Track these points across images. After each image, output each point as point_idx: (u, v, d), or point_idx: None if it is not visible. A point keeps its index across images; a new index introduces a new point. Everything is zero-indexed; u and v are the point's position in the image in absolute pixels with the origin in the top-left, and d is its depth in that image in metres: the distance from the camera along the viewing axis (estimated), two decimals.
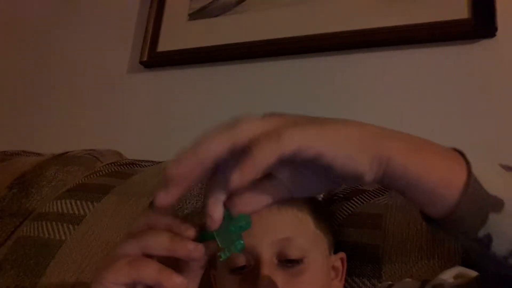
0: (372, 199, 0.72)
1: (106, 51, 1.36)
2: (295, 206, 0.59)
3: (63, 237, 0.82)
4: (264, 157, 0.28)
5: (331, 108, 1.02)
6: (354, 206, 0.72)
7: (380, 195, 0.72)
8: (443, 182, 0.31)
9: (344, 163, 0.30)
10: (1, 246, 0.89)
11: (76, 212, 0.86)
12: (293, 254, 0.55)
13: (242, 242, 0.35)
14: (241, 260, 0.55)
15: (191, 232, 0.36)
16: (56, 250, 0.80)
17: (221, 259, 0.35)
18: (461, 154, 0.33)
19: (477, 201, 0.30)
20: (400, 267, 0.63)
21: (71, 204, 0.87)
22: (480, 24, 0.92)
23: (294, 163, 0.31)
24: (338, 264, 0.63)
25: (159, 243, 0.35)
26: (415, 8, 0.98)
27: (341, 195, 0.76)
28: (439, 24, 0.95)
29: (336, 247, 0.65)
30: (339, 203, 0.74)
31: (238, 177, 0.29)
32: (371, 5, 1.03)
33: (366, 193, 0.74)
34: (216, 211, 0.33)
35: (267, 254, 0.54)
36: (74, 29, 1.43)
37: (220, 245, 0.35)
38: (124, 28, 1.35)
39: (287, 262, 0.55)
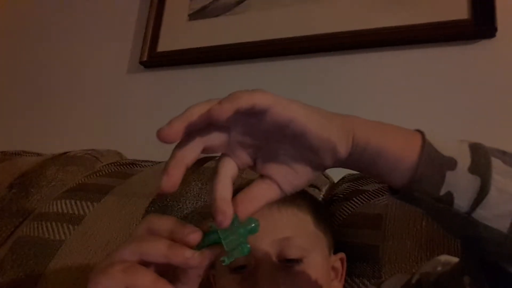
0: (372, 199, 0.72)
1: (106, 51, 1.36)
2: (295, 206, 0.59)
3: (63, 237, 0.82)
4: (240, 97, 0.31)
5: (331, 108, 1.02)
6: (354, 206, 0.72)
7: (380, 195, 0.72)
8: (402, 148, 0.34)
9: (317, 130, 0.33)
10: (1, 246, 0.89)
11: (76, 212, 0.86)
12: (293, 253, 0.55)
13: (248, 246, 0.34)
14: (241, 260, 0.55)
15: (194, 235, 0.35)
16: (56, 250, 0.80)
17: (224, 263, 0.35)
18: (419, 131, 0.36)
19: (433, 162, 0.33)
20: (400, 267, 0.63)
21: (71, 204, 0.87)
22: (480, 25, 0.92)
23: (275, 152, 0.35)
24: (338, 264, 0.63)
25: (157, 250, 0.35)
26: (415, 9, 0.98)
27: (341, 195, 0.76)
28: (439, 25, 0.95)
29: (336, 247, 0.65)
30: (339, 203, 0.74)
31: (218, 108, 0.32)
32: (371, 6, 1.03)
33: (366, 193, 0.74)
34: (228, 208, 0.34)
35: (267, 254, 0.54)
36: (74, 29, 1.44)
37: (226, 248, 0.34)
38: (124, 28, 1.35)
39: (287, 262, 0.55)
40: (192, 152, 0.36)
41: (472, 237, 0.35)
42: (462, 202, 0.33)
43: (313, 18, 1.08)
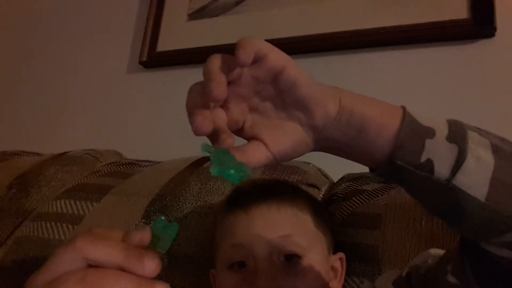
0: (372, 199, 0.72)
1: (105, 51, 1.36)
2: (294, 205, 0.59)
3: (63, 237, 0.82)
4: (254, 42, 0.35)
5: None
6: (353, 206, 0.72)
7: (380, 195, 0.72)
8: (384, 117, 0.37)
9: (307, 83, 0.36)
10: (0, 246, 0.89)
11: (76, 212, 0.86)
12: (292, 251, 0.55)
13: (175, 223, 0.32)
14: (239, 257, 0.55)
15: (153, 266, 0.30)
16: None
17: (161, 251, 0.32)
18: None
19: (414, 130, 0.36)
20: (400, 267, 0.63)
21: (70, 204, 0.87)
22: (479, 24, 0.92)
23: (263, 112, 0.37)
24: (337, 264, 0.63)
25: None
26: (414, 8, 0.98)
27: (341, 195, 0.76)
28: (439, 24, 0.95)
29: (335, 247, 0.65)
30: (338, 203, 0.74)
31: (242, 55, 0.34)
32: (371, 5, 1.03)
33: (366, 193, 0.74)
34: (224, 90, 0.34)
35: (266, 252, 0.54)
36: (74, 29, 1.43)
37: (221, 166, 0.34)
38: (123, 28, 1.35)
39: (285, 261, 0.55)
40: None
41: (452, 212, 0.36)
42: (441, 168, 0.35)
43: (313, 18, 1.08)
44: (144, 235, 0.31)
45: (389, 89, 0.99)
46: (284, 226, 0.57)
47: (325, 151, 0.40)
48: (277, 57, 0.35)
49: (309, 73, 0.37)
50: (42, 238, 0.83)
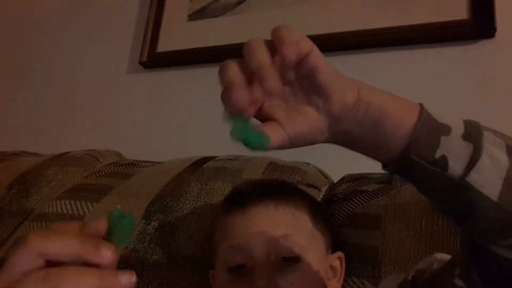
0: (372, 199, 0.72)
1: (105, 51, 1.36)
2: (292, 205, 0.59)
3: None
4: (293, 33, 0.36)
5: None
6: (353, 207, 0.72)
7: (380, 196, 0.72)
8: (402, 111, 0.37)
9: (328, 69, 0.37)
10: (0, 246, 0.88)
11: (76, 212, 0.86)
12: (290, 251, 0.55)
13: (130, 214, 0.32)
14: (238, 259, 0.56)
15: (110, 254, 0.30)
16: None
17: (119, 245, 0.31)
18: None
19: (430, 126, 0.36)
20: (400, 268, 0.63)
21: (70, 204, 0.87)
22: (479, 25, 0.92)
23: (282, 95, 0.38)
24: (336, 263, 0.63)
25: (86, 286, 0.28)
26: (414, 9, 0.99)
27: (341, 196, 0.76)
28: (439, 25, 0.95)
29: (335, 248, 0.65)
30: (338, 204, 0.74)
31: (290, 52, 0.35)
32: (370, 6, 1.03)
33: (366, 193, 0.74)
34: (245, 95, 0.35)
35: (264, 253, 0.54)
36: (74, 29, 1.43)
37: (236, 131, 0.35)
38: (123, 29, 1.35)
39: (284, 261, 0.55)
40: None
41: (463, 211, 0.36)
42: (456, 165, 0.35)
43: (313, 18, 1.09)
44: (99, 224, 0.31)
45: (389, 90, 0.99)
46: (282, 226, 0.57)
47: (339, 144, 0.40)
48: (304, 43, 0.36)
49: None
50: None
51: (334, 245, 0.65)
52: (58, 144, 1.22)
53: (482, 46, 0.93)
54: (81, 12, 1.44)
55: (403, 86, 0.98)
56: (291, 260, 0.55)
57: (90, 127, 1.31)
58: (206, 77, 1.19)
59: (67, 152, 1.09)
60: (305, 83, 0.37)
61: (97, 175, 0.96)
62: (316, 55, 0.36)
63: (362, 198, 0.73)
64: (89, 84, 1.36)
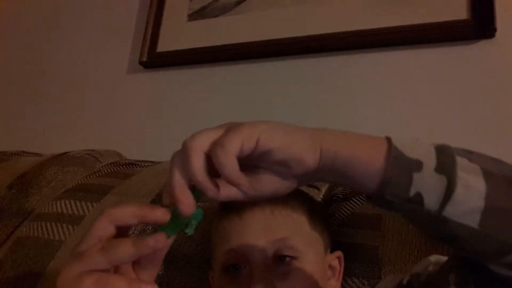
0: None
1: (105, 51, 1.36)
2: (289, 207, 0.59)
3: (63, 238, 0.82)
4: (232, 142, 0.34)
5: (331, 108, 1.02)
6: (353, 207, 0.72)
7: None
8: (370, 155, 0.36)
9: (281, 146, 0.35)
10: (0, 247, 0.89)
11: (76, 212, 0.86)
12: (288, 255, 0.55)
13: (200, 210, 0.37)
14: (231, 259, 0.56)
15: (164, 216, 0.37)
16: (56, 250, 0.80)
17: (189, 234, 0.38)
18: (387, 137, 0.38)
19: (400, 164, 0.35)
20: (400, 268, 0.63)
21: (70, 204, 0.87)
22: (479, 25, 0.92)
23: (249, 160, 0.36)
24: (335, 263, 0.63)
25: (124, 252, 0.35)
26: (414, 9, 0.98)
27: (341, 196, 0.76)
28: (438, 25, 0.95)
29: (335, 248, 0.65)
30: (338, 204, 0.74)
31: (231, 173, 0.34)
32: (370, 6, 1.03)
33: None
34: (187, 198, 0.36)
35: (262, 256, 0.54)
36: (74, 29, 1.43)
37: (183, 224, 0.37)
38: (123, 29, 1.35)
39: (281, 263, 0.55)
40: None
41: (447, 238, 0.36)
42: (431, 201, 0.35)
43: (313, 18, 1.08)
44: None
45: (389, 90, 0.99)
46: (279, 229, 0.56)
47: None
48: (247, 142, 0.34)
49: (283, 127, 0.36)
50: (42, 238, 0.83)
51: (334, 245, 0.65)
52: (58, 144, 1.22)
53: (482, 46, 0.93)
54: (81, 12, 1.44)
55: (402, 87, 0.99)
56: (289, 263, 0.55)
57: (90, 127, 1.31)
58: (206, 77, 1.19)
59: (67, 152, 1.09)
60: (263, 160, 0.37)
61: (97, 175, 0.96)
62: (264, 142, 0.35)
63: (362, 198, 0.73)
64: (89, 84, 1.36)
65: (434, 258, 0.49)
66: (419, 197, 0.35)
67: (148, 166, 0.98)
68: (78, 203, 0.87)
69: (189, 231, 0.38)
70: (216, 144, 0.34)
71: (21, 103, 1.44)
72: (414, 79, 0.98)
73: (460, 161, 0.35)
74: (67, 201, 0.88)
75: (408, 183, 0.35)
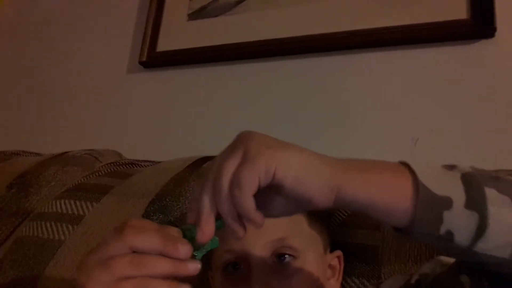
0: None
1: (105, 51, 1.36)
2: None
3: (62, 237, 0.82)
4: (248, 183, 0.34)
5: (331, 108, 1.02)
6: None
7: None
8: (394, 199, 0.35)
9: (293, 184, 0.34)
10: (0, 246, 0.88)
11: (76, 212, 0.86)
12: (287, 254, 0.55)
13: (216, 238, 0.38)
14: (230, 258, 0.56)
15: (186, 251, 0.36)
16: (55, 250, 0.80)
17: (197, 258, 0.37)
18: (407, 165, 0.36)
19: (429, 204, 0.34)
20: (400, 268, 0.63)
21: (70, 204, 0.87)
22: (479, 25, 0.92)
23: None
24: (335, 262, 0.63)
25: (160, 269, 0.35)
26: (414, 9, 0.98)
27: None
28: (438, 24, 0.95)
29: (335, 247, 0.65)
30: None
31: (244, 209, 0.35)
32: (370, 6, 1.03)
33: None
34: (210, 228, 0.36)
35: (261, 255, 0.54)
36: (74, 29, 1.43)
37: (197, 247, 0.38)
38: (123, 28, 1.35)
39: (280, 263, 0.55)
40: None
41: (475, 262, 0.36)
42: (462, 238, 0.34)
43: (312, 18, 1.08)
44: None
45: (388, 90, 0.99)
46: (277, 229, 0.56)
47: None
48: (264, 178, 0.34)
49: (308, 162, 0.35)
50: (42, 238, 0.83)
51: (334, 245, 0.65)
52: (58, 144, 1.22)
53: (482, 46, 0.93)
54: (81, 12, 1.44)
55: (402, 86, 0.98)
56: (288, 262, 0.55)
57: (90, 127, 1.31)
58: (206, 77, 1.19)
59: (67, 152, 1.09)
60: (277, 188, 0.36)
61: (97, 174, 0.96)
62: (279, 177, 0.34)
63: None
64: (89, 84, 1.36)
65: (443, 259, 0.49)
66: (449, 235, 0.34)
67: (148, 166, 0.98)
68: (78, 203, 0.87)
69: (198, 254, 0.38)
70: (234, 185, 0.34)
71: (21, 103, 1.44)
72: (414, 79, 0.98)
73: (489, 193, 0.34)
74: (66, 201, 0.88)
75: (439, 222, 0.34)
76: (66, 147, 1.12)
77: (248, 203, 0.34)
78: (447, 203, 0.34)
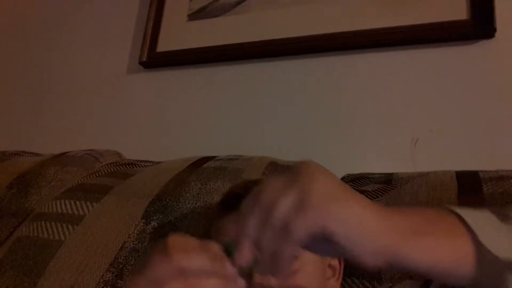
0: (372, 199, 0.72)
1: (105, 51, 1.36)
2: None
3: (62, 238, 0.82)
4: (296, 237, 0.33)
5: (332, 108, 1.02)
6: None
7: (380, 196, 0.72)
8: (454, 264, 0.33)
9: (345, 245, 0.32)
10: (0, 246, 0.88)
11: (76, 212, 0.86)
12: None
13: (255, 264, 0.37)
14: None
15: (233, 268, 0.36)
16: (55, 250, 0.80)
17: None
18: (459, 215, 0.35)
19: (491, 268, 0.33)
20: None
21: (70, 204, 0.87)
22: (479, 25, 0.92)
23: None
24: (335, 262, 0.63)
25: None
26: (414, 9, 0.99)
27: None
28: (438, 25, 0.95)
29: None
30: None
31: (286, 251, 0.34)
32: (370, 6, 1.03)
33: (366, 193, 0.74)
34: (249, 253, 0.36)
35: None
36: (74, 29, 1.43)
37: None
38: (123, 29, 1.35)
39: None
40: None
41: None
42: None
43: (312, 18, 1.09)
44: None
45: (389, 89, 0.99)
46: None
47: None
48: (313, 232, 0.33)
49: (362, 212, 0.33)
50: (42, 238, 0.83)
51: None
52: (58, 144, 1.22)
53: (482, 46, 0.93)
54: (81, 12, 1.44)
55: (403, 86, 0.99)
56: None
57: (90, 127, 1.31)
58: (206, 77, 1.19)
59: (67, 152, 1.09)
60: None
61: (97, 175, 0.96)
62: (329, 232, 0.32)
63: None
64: (89, 84, 1.36)
65: None
66: None
67: (148, 166, 0.98)
68: (78, 203, 0.87)
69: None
70: (283, 228, 0.33)
71: (21, 103, 1.44)
72: (414, 79, 0.98)
73: None
74: (66, 201, 0.88)
75: (500, 285, 0.33)
76: (66, 147, 1.12)
77: (289, 253, 0.34)
78: (510, 265, 0.33)
